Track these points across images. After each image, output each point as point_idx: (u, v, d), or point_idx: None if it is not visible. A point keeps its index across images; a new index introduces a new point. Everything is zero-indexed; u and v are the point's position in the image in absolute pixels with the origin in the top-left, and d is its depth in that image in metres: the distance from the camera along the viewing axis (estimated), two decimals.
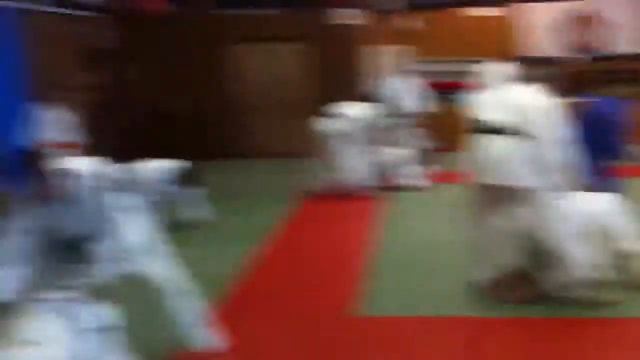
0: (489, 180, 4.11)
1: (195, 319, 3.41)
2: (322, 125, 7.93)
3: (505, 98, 4.34)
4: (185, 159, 10.43)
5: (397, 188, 7.85)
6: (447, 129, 10.55)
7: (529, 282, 4.18)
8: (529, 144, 4.06)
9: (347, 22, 11.28)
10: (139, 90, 11.18)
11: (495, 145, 4.09)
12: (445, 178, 8.13)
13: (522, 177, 4.01)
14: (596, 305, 3.99)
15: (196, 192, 6.42)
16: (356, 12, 11.31)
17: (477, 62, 8.48)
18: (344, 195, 7.69)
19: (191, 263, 5.32)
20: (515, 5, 12.84)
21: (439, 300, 4.31)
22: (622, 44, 12.58)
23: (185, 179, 6.38)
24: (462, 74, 11.70)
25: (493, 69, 8.28)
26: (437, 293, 4.46)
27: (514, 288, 4.15)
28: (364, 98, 8.03)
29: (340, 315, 4.15)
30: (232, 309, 4.36)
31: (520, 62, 11.75)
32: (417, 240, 5.88)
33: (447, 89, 12.18)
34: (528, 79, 4.49)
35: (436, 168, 8.22)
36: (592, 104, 5.83)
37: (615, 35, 12.65)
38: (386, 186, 7.80)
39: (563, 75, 11.71)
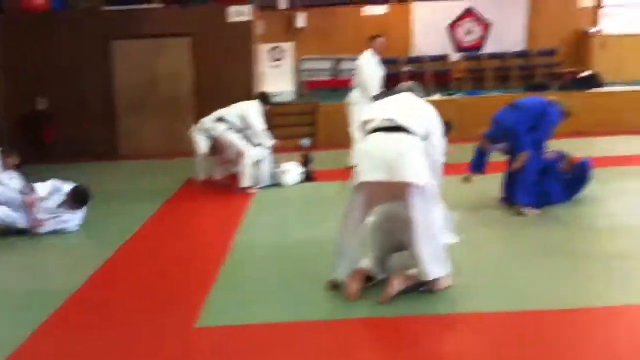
0: (383, 177, 4.02)
1: None
2: (206, 123, 7.82)
3: (395, 100, 4.37)
4: (67, 160, 10.28)
5: (271, 186, 7.80)
6: (332, 127, 10.76)
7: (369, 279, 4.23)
8: (420, 141, 4.10)
9: (236, 18, 11.17)
10: (17, 88, 10.70)
11: (391, 141, 4.06)
12: (326, 176, 8.13)
13: (418, 173, 4.00)
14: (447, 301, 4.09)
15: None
16: (244, 8, 11.20)
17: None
18: (218, 193, 7.58)
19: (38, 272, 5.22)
20: (402, 4, 13.14)
21: (294, 305, 4.13)
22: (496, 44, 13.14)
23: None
24: (346, 71, 12.12)
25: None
26: (293, 297, 4.28)
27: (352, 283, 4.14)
28: (257, 97, 7.96)
29: (184, 326, 3.86)
30: (65, 321, 4.07)
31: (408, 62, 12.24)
32: (276, 240, 5.68)
33: (333, 87, 12.38)
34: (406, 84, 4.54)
35: (313, 166, 8.24)
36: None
37: (492, 34, 13.18)
38: (257, 185, 7.73)
39: (433, 73, 12.30)
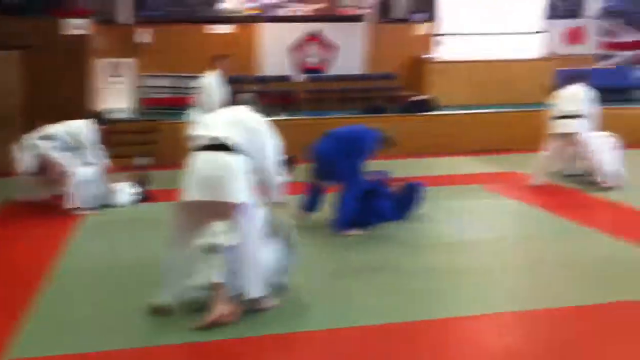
0: (205, 196, 3.98)
1: None
2: (31, 140, 7.35)
3: (226, 114, 4.35)
4: None
5: (102, 207, 7.43)
6: (173, 146, 10.48)
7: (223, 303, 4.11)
8: (249, 160, 4.07)
9: (73, 31, 10.66)
10: None
11: (214, 161, 4.01)
12: (163, 196, 7.89)
13: (239, 192, 3.97)
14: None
15: None
16: (82, 21, 10.73)
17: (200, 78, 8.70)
18: (42, 215, 7.12)
19: None
20: (248, 24, 13.16)
21: (114, 332, 3.92)
22: (338, 67, 13.51)
23: None
24: (188, 89, 11.97)
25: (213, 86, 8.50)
26: (115, 323, 4.07)
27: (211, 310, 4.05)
28: (91, 115, 7.62)
29: None
30: None
31: (244, 82, 12.28)
32: (103, 264, 5.43)
33: (173, 105, 12.12)
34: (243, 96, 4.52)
35: (150, 186, 7.99)
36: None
37: (335, 57, 13.54)
38: (86, 205, 7.31)
39: (277, 93, 12.46)
